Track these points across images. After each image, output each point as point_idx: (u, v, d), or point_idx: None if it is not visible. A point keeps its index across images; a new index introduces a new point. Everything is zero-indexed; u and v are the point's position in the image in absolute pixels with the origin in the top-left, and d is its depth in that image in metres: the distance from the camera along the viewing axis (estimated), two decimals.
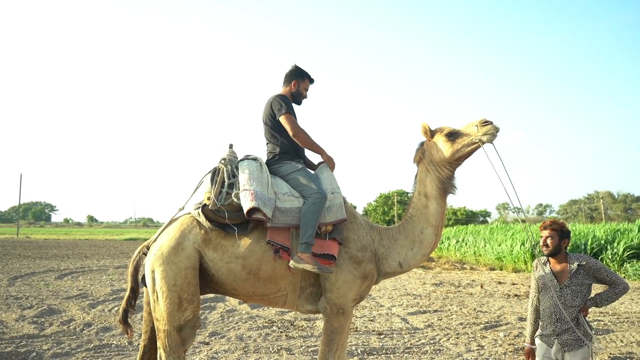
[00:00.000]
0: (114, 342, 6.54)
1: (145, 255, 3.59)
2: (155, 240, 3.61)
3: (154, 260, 3.44)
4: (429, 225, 3.68)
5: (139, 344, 6.51)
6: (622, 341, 7.24)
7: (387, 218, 44.50)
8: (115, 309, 8.82)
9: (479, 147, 3.54)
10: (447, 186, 3.68)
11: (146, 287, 3.53)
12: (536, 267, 3.83)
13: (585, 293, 3.59)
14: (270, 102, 3.91)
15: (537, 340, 3.72)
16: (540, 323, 3.73)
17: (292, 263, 3.38)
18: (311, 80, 4.06)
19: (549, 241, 3.64)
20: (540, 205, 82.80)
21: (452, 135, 3.61)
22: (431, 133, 3.72)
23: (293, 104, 4.02)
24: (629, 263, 15.91)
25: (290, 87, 4.00)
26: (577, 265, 3.59)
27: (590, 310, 3.78)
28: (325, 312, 3.48)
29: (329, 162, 3.91)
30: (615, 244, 16.80)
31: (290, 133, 3.80)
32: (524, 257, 17.96)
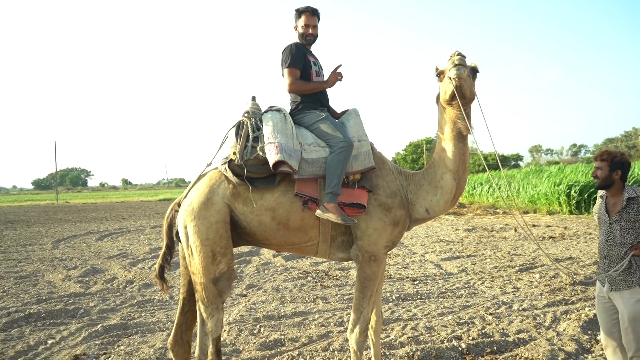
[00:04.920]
0: (156, 297, 6.78)
1: (177, 212, 3.64)
2: (185, 196, 3.64)
3: (186, 216, 3.48)
4: (447, 170, 3.53)
5: (179, 298, 6.75)
6: None
7: (416, 167, 44.22)
8: (155, 266, 9.11)
9: (452, 83, 3.30)
10: (460, 127, 3.46)
11: (181, 242, 3.59)
12: (597, 201, 3.67)
13: None
14: (281, 53, 3.81)
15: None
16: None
17: (318, 213, 3.37)
18: (313, 12, 3.79)
19: (598, 173, 3.43)
20: (574, 145, 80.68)
21: (440, 75, 3.46)
22: (437, 74, 3.57)
23: (309, 47, 3.88)
24: None
25: (296, 32, 3.85)
26: (628, 198, 3.37)
27: None
28: (357, 260, 3.48)
29: (334, 78, 3.76)
30: None
31: (287, 89, 3.72)
32: (559, 199, 17.63)
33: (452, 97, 3.38)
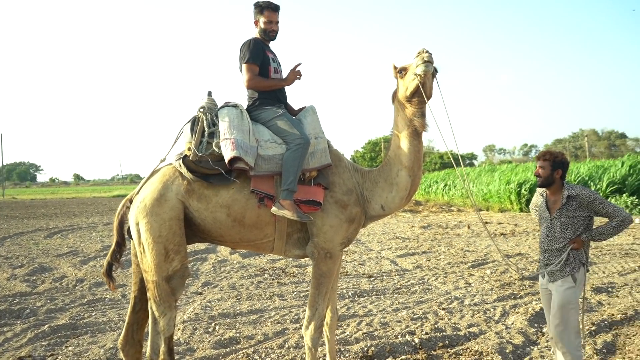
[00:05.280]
0: (107, 296, 6.60)
1: (129, 208, 3.55)
2: (137, 193, 3.55)
3: (138, 212, 3.39)
4: (403, 167, 3.60)
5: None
6: (603, 272, 7.47)
7: (374, 165, 44.72)
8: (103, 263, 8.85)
9: (417, 80, 3.38)
10: (416, 124, 3.54)
11: (132, 240, 3.51)
12: (537, 198, 3.83)
13: (579, 225, 3.51)
14: (239, 49, 3.76)
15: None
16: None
17: (273, 210, 3.36)
18: (274, 9, 3.76)
19: (541, 171, 3.59)
20: (526, 145, 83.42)
21: (402, 72, 3.52)
22: (398, 71, 3.63)
23: (270, 42, 3.86)
24: (612, 198, 16.25)
25: (256, 27, 3.81)
26: (567, 196, 3.53)
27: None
28: (313, 257, 3.48)
29: (292, 76, 3.75)
30: (598, 180, 17.10)
31: (245, 85, 3.69)
32: (510, 197, 18.23)
33: (414, 94, 3.46)
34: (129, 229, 3.55)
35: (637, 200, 15.63)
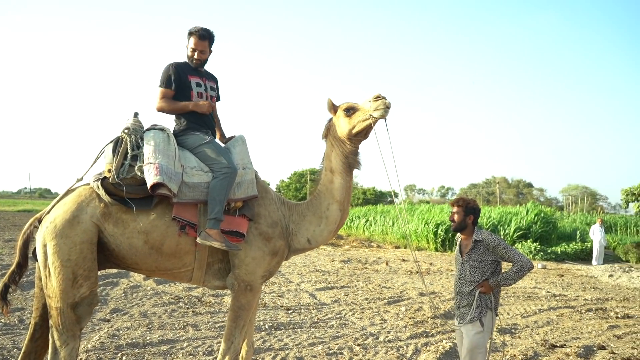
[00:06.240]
0: (1, 319, 6.05)
1: (37, 228, 3.32)
2: (48, 212, 3.34)
3: (47, 233, 3.18)
4: (334, 201, 3.69)
5: (29, 322, 6.08)
6: (508, 314, 7.90)
7: (299, 195, 44.95)
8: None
9: (371, 122, 3.54)
10: (351, 161, 3.69)
11: (37, 262, 3.27)
12: (455, 243, 4.03)
13: (487, 269, 3.70)
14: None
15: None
16: None
17: (199, 239, 3.27)
18: (200, 37, 3.66)
19: (455, 217, 3.81)
20: (443, 187, 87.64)
21: (350, 111, 3.63)
22: (335, 108, 3.75)
23: (200, 67, 3.79)
24: (519, 243, 17.36)
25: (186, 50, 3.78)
26: (475, 240, 3.75)
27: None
28: (233, 289, 3.42)
29: (198, 107, 3.62)
30: (507, 225, 18.23)
31: (155, 107, 3.64)
32: (427, 237, 18.96)
33: (358, 134, 3.60)
34: (34, 250, 3.31)
35: (539, 246, 16.80)
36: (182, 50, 3.79)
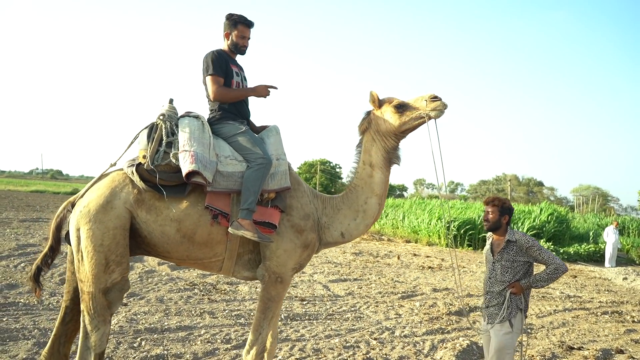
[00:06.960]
0: (21, 300, 6.11)
1: (70, 212, 3.32)
2: (82, 196, 3.34)
3: (80, 217, 3.18)
4: (373, 195, 3.68)
5: (49, 303, 6.14)
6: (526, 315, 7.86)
7: (309, 185, 44.95)
8: (22, 265, 8.23)
9: (425, 121, 3.56)
10: (392, 156, 3.69)
11: (70, 246, 3.28)
12: (485, 241, 4.00)
13: (519, 270, 3.67)
14: (202, 60, 3.69)
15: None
16: None
17: (231, 229, 3.26)
18: (248, 24, 3.72)
19: (490, 216, 3.77)
20: (452, 182, 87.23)
21: (401, 108, 3.60)
22: (379, 103, 3.70)
23: (238, 55, 3.80)
24: None
25: (226, 40, 3.76)
26: (507, 240, 3.71)
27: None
28: (263, 280, 3.41)
29: (257, 92, 3.67)
30: (520, 224, 18.11)
31: (210, 97, 3.61)
32: (438, 232, 18.89)
33: (407, 131, 3.64)
34: (67, 234, 3.32)
35: (552, 246, 16.69)
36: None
